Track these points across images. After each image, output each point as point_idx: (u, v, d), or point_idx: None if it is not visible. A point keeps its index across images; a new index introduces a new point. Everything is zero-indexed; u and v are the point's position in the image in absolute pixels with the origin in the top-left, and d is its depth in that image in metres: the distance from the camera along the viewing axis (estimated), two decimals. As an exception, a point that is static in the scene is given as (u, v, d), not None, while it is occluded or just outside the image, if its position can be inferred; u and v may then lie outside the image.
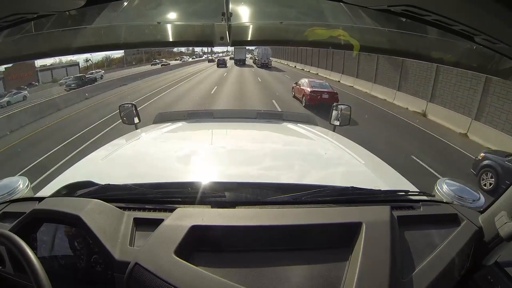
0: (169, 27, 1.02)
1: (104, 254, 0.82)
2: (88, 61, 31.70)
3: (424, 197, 1.12)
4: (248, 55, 42.94)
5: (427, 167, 6.58)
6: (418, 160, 6.85)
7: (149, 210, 0.97)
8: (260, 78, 21.83)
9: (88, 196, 1.00)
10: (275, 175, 1.35)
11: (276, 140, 2.04)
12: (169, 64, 41.07)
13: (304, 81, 12.87)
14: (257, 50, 35.78)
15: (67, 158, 6.59)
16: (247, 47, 38.51)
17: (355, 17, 0.93)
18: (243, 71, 28.20)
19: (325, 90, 11.88)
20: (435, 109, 11.52)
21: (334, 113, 2.34)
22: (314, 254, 0.83)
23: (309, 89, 11.90)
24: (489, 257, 0.93)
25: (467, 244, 0.90)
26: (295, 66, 33.89)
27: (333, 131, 2.26)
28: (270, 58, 33.78)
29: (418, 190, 1.16)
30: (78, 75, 25.34)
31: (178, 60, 50.84)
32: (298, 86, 13.14)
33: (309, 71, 26.61)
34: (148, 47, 1.17)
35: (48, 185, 1.23)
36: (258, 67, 32.63)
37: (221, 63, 35.92)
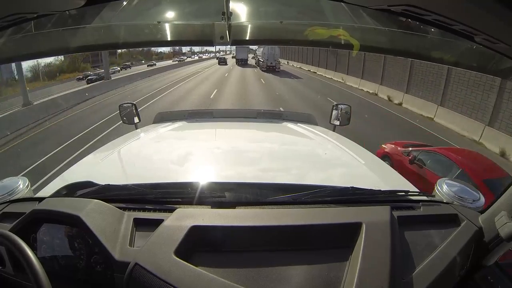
0: (169, 26, 1.02)
1: (104, 255, 0.82)
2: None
3: (424, 197, 1.11)
4: (250, 55, 41.13)
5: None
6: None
7: (149, 210, 0.97)
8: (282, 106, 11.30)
9: (88, 196, 1.00)
10: (275, 175, 1.35)
11: (276, 140, 2.04)
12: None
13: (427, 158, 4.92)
14: (261, 49, 28.06)
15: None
16: (249, 47, 38.63)
17: (355, 17, 0.93)
18: (246, 78, 22.34)
19: None
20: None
21: (334, 112, 2.33)
22: (314, 254, 0.83)
23: None
24: (489, 258, 0.93)
25: (467, 244, 0.90)
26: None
27: (333, 131, 2.26)
28: (279, 60, 26.78)
29: (418, 191, 1.16)
30: None
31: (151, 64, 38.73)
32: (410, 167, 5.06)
33: (325, 75, 23.89)
34: (148, 46, 1.18)
35: (48, 185, 1.23)
36: (262, 70, 26.09)
37: (222, 61, 41.04)
